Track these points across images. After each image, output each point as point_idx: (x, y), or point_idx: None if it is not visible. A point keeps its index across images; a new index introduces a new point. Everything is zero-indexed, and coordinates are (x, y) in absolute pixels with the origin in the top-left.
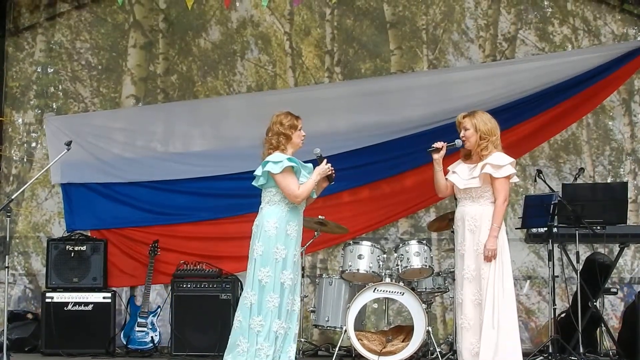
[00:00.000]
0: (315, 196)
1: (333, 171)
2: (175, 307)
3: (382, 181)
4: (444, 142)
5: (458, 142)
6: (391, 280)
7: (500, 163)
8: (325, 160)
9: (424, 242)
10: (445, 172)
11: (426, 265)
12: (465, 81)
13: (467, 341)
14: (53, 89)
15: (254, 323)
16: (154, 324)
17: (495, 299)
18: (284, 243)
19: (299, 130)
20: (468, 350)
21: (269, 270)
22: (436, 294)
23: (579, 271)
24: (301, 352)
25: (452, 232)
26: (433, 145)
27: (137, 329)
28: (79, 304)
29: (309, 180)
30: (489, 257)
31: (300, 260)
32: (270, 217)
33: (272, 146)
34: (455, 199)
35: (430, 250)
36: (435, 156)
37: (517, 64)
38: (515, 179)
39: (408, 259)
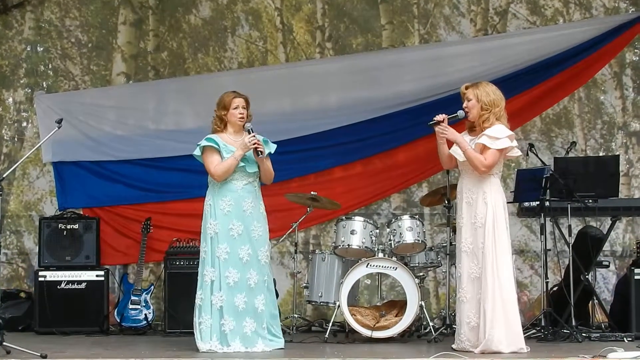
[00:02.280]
0: (253, 170)
1: (258, 144)
2: (168, 285)
3: (375, 157)
4: (445, 115)
5: (460, 113)
6: (384, 256)
7: (497, 135)
8: (250, 134)
9: (417, 217)
10: (451, 145)
11: (419, 240)
12: (457, 56)
13: (465, 314)
14: (43, 67)
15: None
16: (147, 302)
17: (494, 272)
18: (216, 218)
19: (234, 109)
20: (466, 323)
21: (205, 246)
22: (429, 269)
23: (571, 244)
24: (294, 327)
25: (445, 206)
26: (434, 118)
27: (131, 306)
28: (72, 282)
29: (228, 158)
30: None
31: (263, 234)
32: (206, 196)
33: (212, 129)
34: (447, 172)
35: (423, 225)
36: (437, 129)
37: (508, 38)
38: (516, 152)
39: (401, 234)
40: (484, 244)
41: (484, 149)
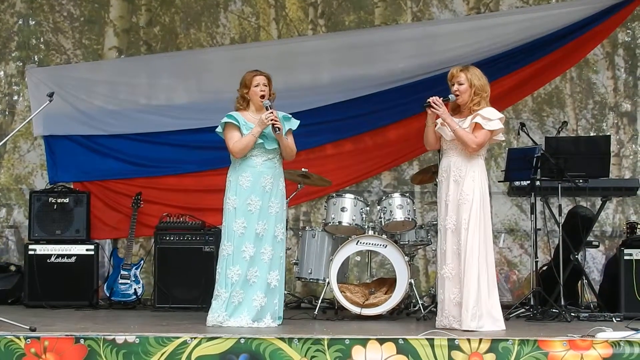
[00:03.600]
0: (272, 147)
1: (275, 120)
2: (158, 260)
3: (366, 134)
4: (439, 97)
5: (452, 96)
6: (374, 233)
7: (491, 117)
8: (267, 110)
9: (407, 195)
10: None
11: (409, 218)
12: (449, 34)
13: (449, 290)
14: (35, 40)
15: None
16: (137, 276)
17: (480, 249)
18: (236, 193)
19: (255, 86)
20: (449, 300)
21: (225, 221)
22: (419, 247)
23: (561, 224)
24: (284, 303)
25: (436, 184)
26: (428, 100)
27: (120, 281)
28: (62, 256)
29: (247, 134)
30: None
31: (280, 211)
32: (228, 171)
33: (235, 107)
34: (438, 151)
35: (414, 203)
36: (430, 111)
37: (501, 17)
38: (501, 137)
39: (391, 211)
40: (468, 221)
41: (476, 128)
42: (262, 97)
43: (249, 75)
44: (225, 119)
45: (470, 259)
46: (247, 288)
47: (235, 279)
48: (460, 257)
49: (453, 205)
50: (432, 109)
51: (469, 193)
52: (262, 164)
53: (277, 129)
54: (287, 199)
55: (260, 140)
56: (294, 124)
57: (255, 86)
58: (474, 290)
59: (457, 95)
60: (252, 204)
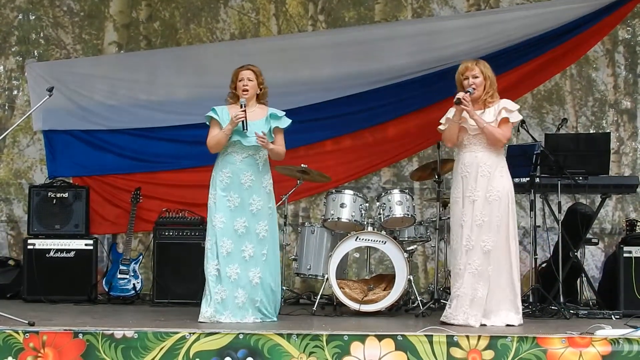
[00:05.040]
0: (251, 144)
1: (242, 119)
2: (157, 255)
3: (365, 130)
4: (464, 92)
5: (471, 90)
6: (373, 229)
7: (512, 108)
8: (241, 108)
9: (407, 191)
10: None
11: (408, 215)
12: (450, 30)
13: (471, 286)
14: (35, 35)
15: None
16: (135, 271)
17: (510, 245)
18: (216, 188)
19: (240, 81)
20: (468, 295)
21: (207, 216)
22: (418, 243)
23: (560, 221)
24: (283, 300)
25: (435, 181)
26: (458, 96)
27: (119, 276)
28: (61, 250)
29: (220, 131)
30: (462, 100)
31: (264, 208)
32: (213, 168)
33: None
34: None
35: (413, 199)
36: (459, 108)
37: (501, 14)
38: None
39: (390, 208)
40: (501, 217)
41: (502, 122)
42: (245, 91)
43: (235, 70)
44: (209, 113)
45: (506, 255)
46: (229, 285)
47: (213, 273)
48: (491, 253)
49: (482, 201)
50: (462, 106)
51: (500, 189)
52: (242, 160)
53: (245, 128)
54: (286, 195)
55: (236, 138)
56: (284, 122)
57: (240, 81)
58: (509, 286)
59: (474, 89)
60: (231, 200)
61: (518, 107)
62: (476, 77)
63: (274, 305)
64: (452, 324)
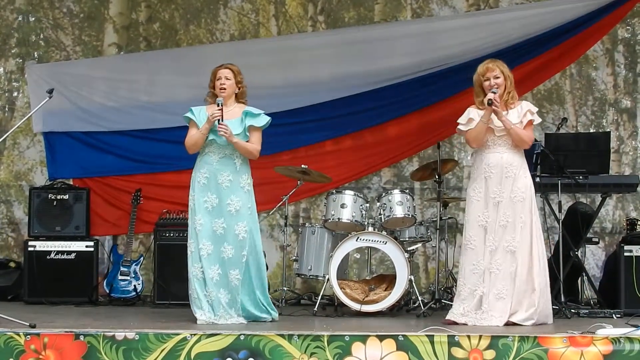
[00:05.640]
0: (227, 143)
1: (218, 117)
2: (158, 256)
3: (365, 130)
4: (492, 93)
5: (496, 90)
6: (374, 229)
7: (534, 110)
8: (217, 107)
9: (407, 191)
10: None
11: (409, 215)
12: (449, 30)
13: (495, 287)
14: (34, 37)
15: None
16: (136, 273)
17: (538, 245)
18: (194, 190)
19: (218, 80)
20: (494, 295)
21: (190, 218)
22: (418, 243)
23: (561, 221)
24: (284, 300)
25: (435, 181)
26: (489, 97)
27: (120, 277)
28: (62, 252)
29: (197, 131)
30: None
31: (242, 209)
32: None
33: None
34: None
35: (413, 199)
36: (491, 108)
37: (501, 13)
38: None
39: (391, 208)
40: (525, 218)
41: (528, 124)
42: (223, 89)
43: (214, 69)
44: (186, 114)
45: (528, 254)
46: (212, 286)
47: (200, 276)
48: (512, 254)
49: (506, 202)
50: (494, 107)
51: (524, 190)
52: (219, 160)
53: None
54: (286, 195)
55: (212, 137)
56: (260, 121)
57: (218, 80)
58: (539, 286)
59: (497, 88)
60: (209, 201)
61: (537, 109)
62: (497, 78)
63: (259, 305)
64: (475, 325)
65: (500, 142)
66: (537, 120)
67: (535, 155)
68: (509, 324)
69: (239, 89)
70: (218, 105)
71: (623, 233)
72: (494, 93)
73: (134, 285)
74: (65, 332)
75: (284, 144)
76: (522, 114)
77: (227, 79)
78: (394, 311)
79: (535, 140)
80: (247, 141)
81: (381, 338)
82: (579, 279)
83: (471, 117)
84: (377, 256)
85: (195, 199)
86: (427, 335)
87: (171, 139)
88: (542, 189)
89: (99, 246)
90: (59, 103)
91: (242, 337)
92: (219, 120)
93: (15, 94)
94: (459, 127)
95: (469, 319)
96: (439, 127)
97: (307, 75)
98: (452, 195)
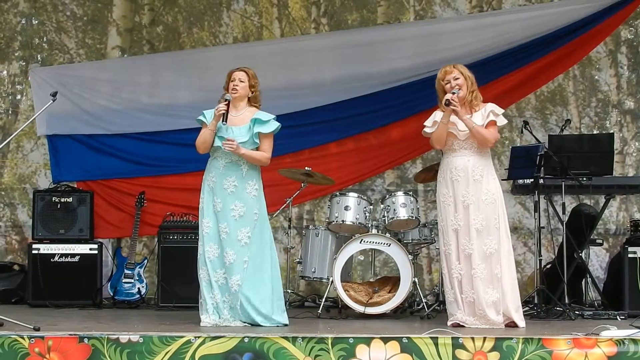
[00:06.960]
0: (220, 144)
1: (223, 111)
2: (161, 259)
3: (369, 132)
4: (451, 93)
5: (457, 91)
6: (377, 232)
7: (498, 112)
8: (223, 102)
9: (410, 193)
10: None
11: (412, 217)
12: (452, 32)
13: (483, 291)
14: (38, 40)
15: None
16: (140, 276)
17: (509, 246)
18: (204, 193)
19: (231, 81)
20: (484, 300)
21: (199, 221)
22: (422, 245)
23: (564, 222)
24: (288, 303)
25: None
26: (446, 98)
27: (124, 280)
28: (66, 255)
29: (205, 129)
30: (450, 100)
31: (246, 215)
32: None
33: None
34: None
35: (417, 201)
36: (449, 109)
37: (504, 15)
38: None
39: (394, 210)
40: (499, 220)
41: (490, 124)
42: (234, 90)
43: (230, 71)
44: (198, 117)
45: (508, 256)
46: (218, 289)
47: (207, 279)
48: (493, 256)
49: (477, 205)
50: (452, 107)
51: (494, 192)
52: (225, 165)
53: (224, 122)
54: (290, 198)
55: (217, 143)
56: (269, 127)
57: (232, 81)
58: (515, 287)
59: (459, 89)
60: (216, 204)
61: (503, 111)
62: (457, 79)
63: (256, 311)
64: (477, 327)
65: (466, 146)
66: (502, 121)
67: (538, 157)
68: (509, 324)
69: (252, 92)
70: (225, 100)
71: (627, 234)
72: (453, 94)
73: (138, 288)
74: (70, 335)
75: (288, 147)
76: (485, 115)
77: (241, 81)
78: (398, 313)
79: (539, 141)
80: (256, 148)
81: (385, 340)
82: (583, 280)
83: (436, 119)
84: (381, 258)
85: (204, 202)
86: (431, 338)
87: (175, 141)
88: (546, 190)
89: (102, 249)
90: (62, 106)
91: (246, 340)
92: (224, 114)
93: (18, 97)
94: (425, 129)
95: (470, 325)
96: None
97: (310, 77)
98: None
